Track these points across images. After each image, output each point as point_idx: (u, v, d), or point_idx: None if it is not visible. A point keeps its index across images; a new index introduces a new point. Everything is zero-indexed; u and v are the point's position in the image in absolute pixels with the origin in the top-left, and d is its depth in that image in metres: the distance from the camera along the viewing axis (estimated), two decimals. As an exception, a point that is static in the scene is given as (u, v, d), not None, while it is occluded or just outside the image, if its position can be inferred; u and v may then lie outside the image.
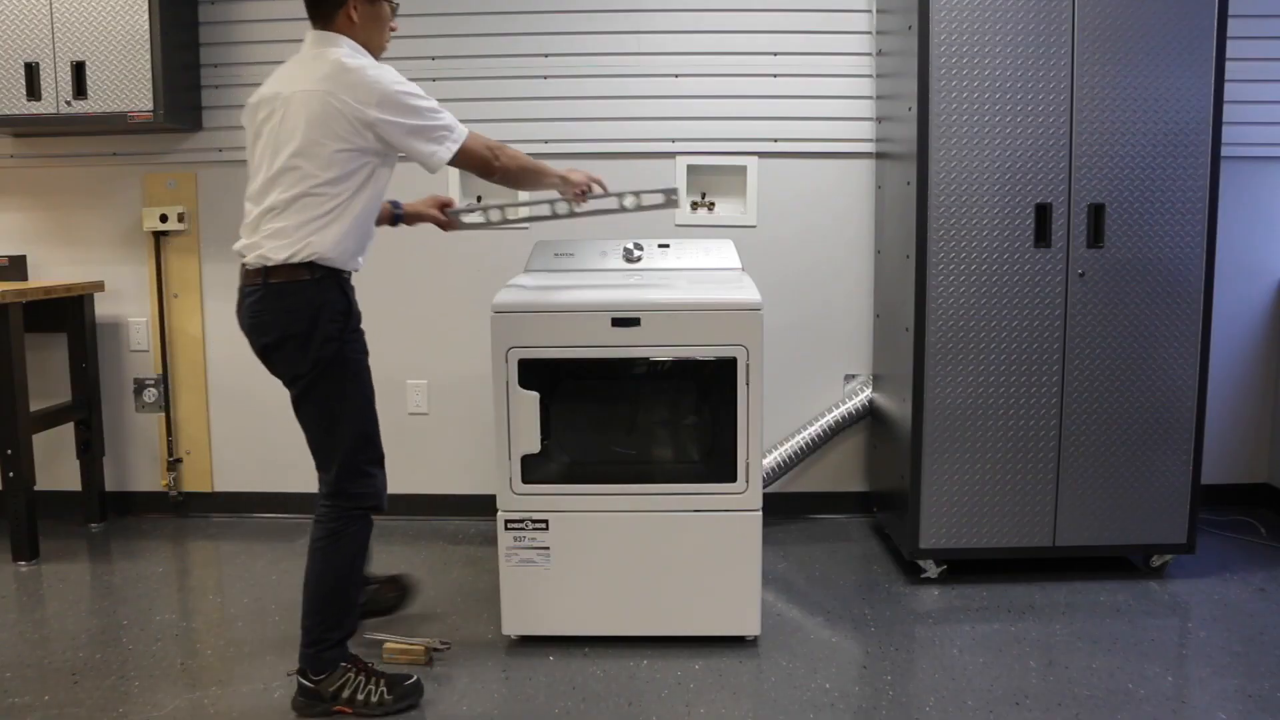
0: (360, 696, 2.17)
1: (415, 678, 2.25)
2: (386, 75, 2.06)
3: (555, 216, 2.67)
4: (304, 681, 2.19)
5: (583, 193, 2.52)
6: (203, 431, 3.63)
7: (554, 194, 2.59)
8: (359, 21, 2.13)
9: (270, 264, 2.06)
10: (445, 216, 2.61)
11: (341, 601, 2.18)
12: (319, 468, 2.21)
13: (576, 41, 3.41)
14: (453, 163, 2.16)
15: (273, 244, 2.06)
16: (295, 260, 2.05)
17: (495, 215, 2.67)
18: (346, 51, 2.09)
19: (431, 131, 2.11)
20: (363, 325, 2.23)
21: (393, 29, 2.24)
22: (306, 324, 2.07)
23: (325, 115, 2.02)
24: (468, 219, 2.66)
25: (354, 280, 2.21)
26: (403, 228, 2.65)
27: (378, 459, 2.23)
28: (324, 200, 2.05)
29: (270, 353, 2.14)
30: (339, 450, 2.16)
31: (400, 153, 2.13)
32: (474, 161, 2.21)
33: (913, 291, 2.83)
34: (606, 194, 2.60)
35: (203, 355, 3.60)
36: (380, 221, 2.41)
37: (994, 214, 2.78)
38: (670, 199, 2.71)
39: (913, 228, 2.83)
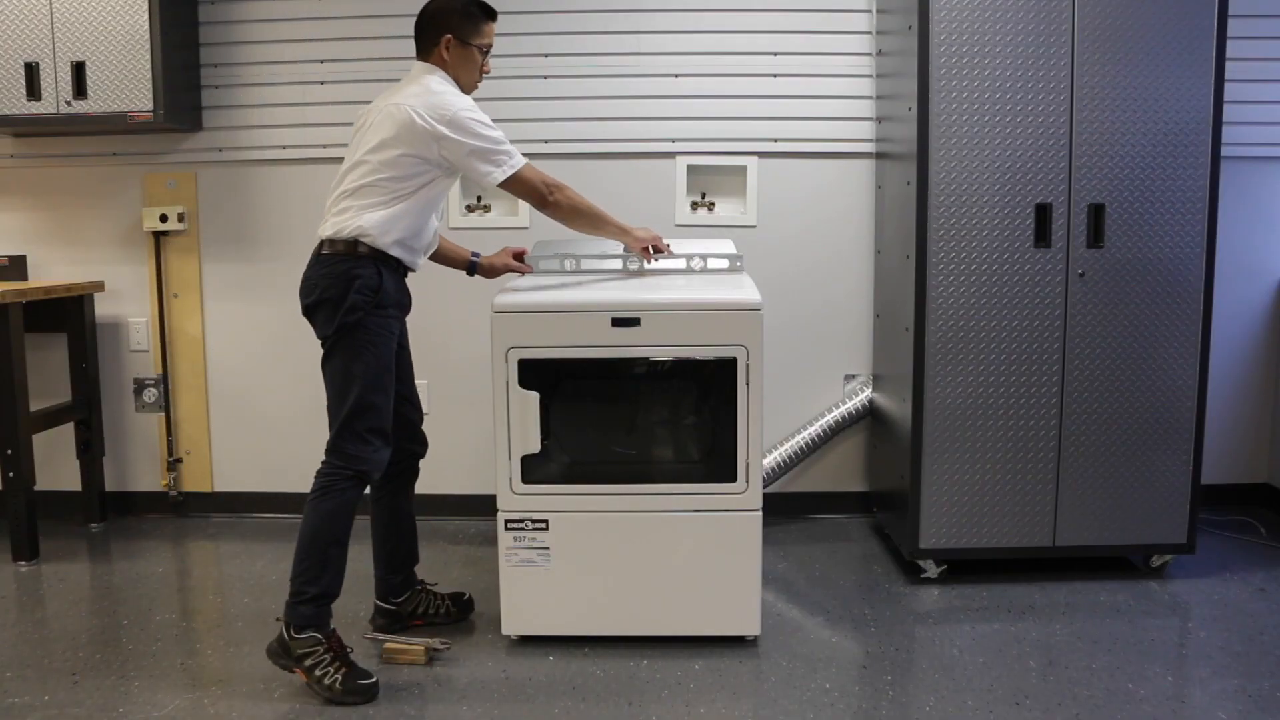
0: (318, 673, 2.25)
1: (374, 680, 2.28)
2: (461, 102, 2.34)
3: (625, 270, 2.77)
4: (283, 633, 2.29)
5: (646, 250, 2.65)
6: (203, 431, 3.63)
7: (622, 247, 2.74)
8: (450, 59, 2.41)
9: (324, 237, 2.34)
10: (525, 264, 2.78)
11: (319, 556, 2.30)
12: (329, 426, 2.35)
13: (576, 41, 3.41)
14: (506, 186, 2.38)
15: (331, 221, 2.33)
16: (343, 236, 2.30)
17: (570, 264, 2.80)
18: (436, 80, 2.38)
19: (490, 155, 2.34)
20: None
21: (485, 71, 2.49)
22: (339, 291, 2.29)
23: (403, 124, 2.28)
24: (544, 265, 2.82)
25: None
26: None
27: (378, 430, 2.35)
28: (380, 191, 2.31)
29: (309, 314, 2.37)
30: (344, 410, 2.32)
31: (460, 170, 2.38)
32: (527, 190, 2.42)
33: (913, 291, 2.83)
34: (673, 255, 2.74)
35: (203, 355, 3.60)
36: (454, 264, 2.75)
37: (994, 214, 2.78)
38: (734, 265, 2.81)
39: (913, 228, 2.83)
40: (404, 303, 2.47)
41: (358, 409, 2.31)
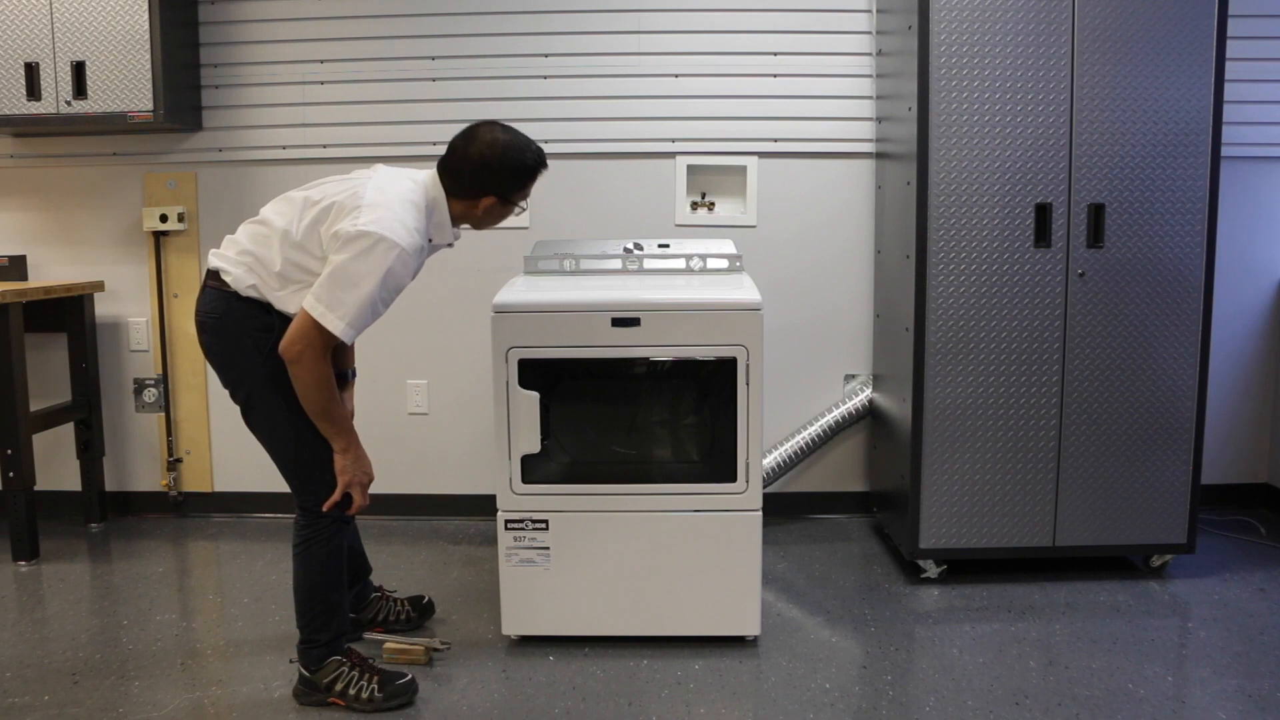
0: (352, 691, 2.21)
1: (410, 677, 2.25)
2: (383, 252, 2.02)
3: (625, 271, 2.84)
4: (302, 671, 2.25)
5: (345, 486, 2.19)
6: (203, 431, 3.63)
7: (624, 247, 2.82)
8: (481, 212, 2.23)
9: (222, 269, 2.18)
10: None
11: (322, 604, 2.23)
12: (284, 479, 2.27)
13: (576, 41, 3.41)
14: (299, 316, 2.06)
15: (244, 266, 2.16)
16: (243, 290, 2.15)
17: (570, 264, 2.86)
18: (417, 201, 2.13)
19: (329, 292, 2.03)
20: None
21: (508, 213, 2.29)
22: (239, 339, 2.17)
23: (339, 237, 2.06)
24: (544, 265, 2.86)
25: None
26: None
27: (322, 468, 2.18)
28: (297, 280, 2.13)
29: (207, 354, 2.27)
30: (293, 464, 2.21)
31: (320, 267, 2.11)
32: (299, 336, 2.04)
33: (913, 291, 2.83)
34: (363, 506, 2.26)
35: (203, 355, 3.60)
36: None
37: (994, 214, 2.78)
38: (734, 265, 2.86)
39: (913, 228, 2.83)
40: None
41: (300, 456, 2.18)
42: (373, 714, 2.19)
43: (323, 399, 2.09)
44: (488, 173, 2.17)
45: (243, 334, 2.15)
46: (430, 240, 2.22)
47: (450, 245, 2.31)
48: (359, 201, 2.07)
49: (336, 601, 2.25)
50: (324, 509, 2.19)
